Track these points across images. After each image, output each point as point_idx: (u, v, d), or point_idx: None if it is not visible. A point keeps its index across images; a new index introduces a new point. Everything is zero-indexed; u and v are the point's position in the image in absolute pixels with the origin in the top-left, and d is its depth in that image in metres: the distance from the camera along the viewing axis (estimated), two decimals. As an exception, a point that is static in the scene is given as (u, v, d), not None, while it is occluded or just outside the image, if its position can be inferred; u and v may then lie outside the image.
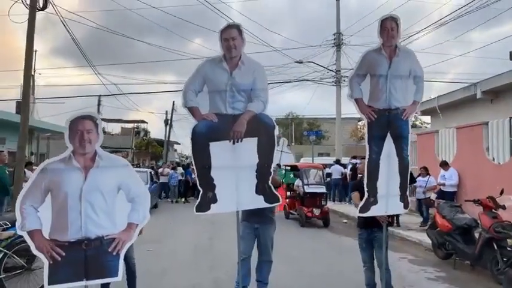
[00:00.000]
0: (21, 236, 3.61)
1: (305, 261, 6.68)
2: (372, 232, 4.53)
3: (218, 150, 4.17)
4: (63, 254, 3.38)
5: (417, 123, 31.91)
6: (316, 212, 10.03)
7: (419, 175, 10.17)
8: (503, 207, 5.69)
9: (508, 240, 4.96)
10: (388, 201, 4.36)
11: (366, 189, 4.33)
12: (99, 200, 3.48)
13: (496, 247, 5.22)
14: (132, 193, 3.62)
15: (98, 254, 3.48)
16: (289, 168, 12.47)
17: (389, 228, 9.25)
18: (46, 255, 3.36)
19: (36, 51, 20.87)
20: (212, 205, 4.18)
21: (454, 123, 12.10)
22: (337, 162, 16.00)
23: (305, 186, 10.28)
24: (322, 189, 10.51)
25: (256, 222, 4.62)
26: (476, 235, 5.82)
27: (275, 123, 4.33)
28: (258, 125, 4.21)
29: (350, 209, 12.70)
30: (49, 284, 3.37)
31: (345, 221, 11.35)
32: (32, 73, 20.73)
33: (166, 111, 35.17)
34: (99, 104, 27.69)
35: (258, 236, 4.70)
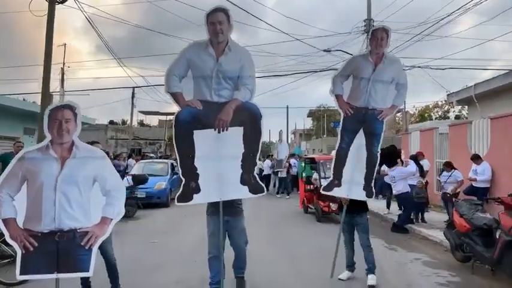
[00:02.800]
0: None
1: (311, 260, 6.26)
2: (353, 217, 5.04)
3: (202, 138, 4.07)
4: (36, 244, 3.35)
5: (449, 115, 30.04)
6: (334, 206, 9.51)
7: (443, 171, 9.47)
8: (530, 207, 5.03)
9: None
10: (351, 186, 4.89)
11: (332, 171, 5.03)
12: (74, 191, 3.44)
13: (517, 251, 4.61)
14: (108, 186, 3.56)
15: (70, 247, 3.42)
16: (308, 160, 12.04)
17: (412, 226, 8.72)
18: (19, 245, 3.35)
19: (65, 44, 21.83)
20: (195, 195, 4.10)
21: (492, 113, 11.10)
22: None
23: (322, 180, 9.81)
24: (340, 183, 9.99)
25: (226, 215, 4.29)
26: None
27: (261, 113, 4.21)
28: (245, 114, 4.12)
29: (374, 204, 12.08)
30: (21, 274, 3.38)
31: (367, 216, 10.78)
32: (62, 66, 21.68)
33: (199, 104, 35.29)
34: (133, 97, 28.27)
35: (229, 230, 4.43)
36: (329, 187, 5.04)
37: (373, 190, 5.01)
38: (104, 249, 4.09)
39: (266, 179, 17.86)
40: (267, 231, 8.67)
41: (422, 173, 9.87)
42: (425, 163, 10.73)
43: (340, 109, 4.89)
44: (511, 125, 8.95)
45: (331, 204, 9.55)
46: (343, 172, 4.94)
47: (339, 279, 5.05)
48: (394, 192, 9.02)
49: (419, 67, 17.75)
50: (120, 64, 22.25)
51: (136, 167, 13.72)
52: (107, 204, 3.54)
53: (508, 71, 11.68)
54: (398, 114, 36.32)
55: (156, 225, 9.12)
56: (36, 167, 3.41)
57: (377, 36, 4.74)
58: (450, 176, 8.98)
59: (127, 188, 10.17)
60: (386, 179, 10.71)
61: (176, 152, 4.14)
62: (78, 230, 3.43)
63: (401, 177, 8.67)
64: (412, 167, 9.03)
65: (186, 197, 4.08)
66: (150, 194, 11.72)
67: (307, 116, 46.48)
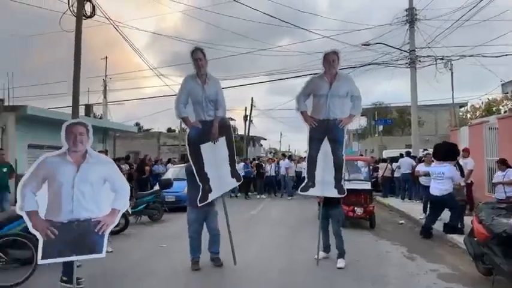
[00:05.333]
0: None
1: (304, 270, 5.77)
2: (328, 209, 5.91)
3: (206, 150, 5.35)
4: (56, 232, 3.97)
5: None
6: (359, 211, 8.88)
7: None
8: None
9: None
10: (323, 186, 5.67)
11: (306, 175, 5.89)
12: (88, 188, 4.15)
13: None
14: (116, 185, 4.37)
15: (86, 233, 4.11)
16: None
17: (439, 231, 7.76)
18: (41, 233, 3.94)
19: (106, 57, 23.08)
20: (209, 194, 5.39)
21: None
22: (408, 154, 14.15)
23: (345, 182, 9.18)
24: (366, 186, 9.28)
25: (206, 206, 5.51)
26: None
27: (229, 123, 6.13)
28: (224, 126, 5.61)
29: (409, 207, 11.14)
30: (42, 258, 3.94)
31: (401, 221, 9.92)
32: (104, 79, 22.89)
33: (246, 108, 35.61)
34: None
35: (207, 216, 5.68)
36: (305, 188, 5.81)
37: (344, 188, 5.78)
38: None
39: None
40: (281, 233, 8.31)
41: (462, 173, 8.82)
42: (469, 162, 9.61)
43: (305, 123, 5.67)
44: None
45: (356, 208, 8.89)
46: (316, 175, 5.69)
47: (315, 258, 5.80)
48: (438, 193, 7.78)
49: (471, 56, 16.15)
50: (156, 74, 23.01)
51: (171, 171, 14.00)
52: (116, 199, 4.32)
53: None
54: (461, 109, 33.07)
55: (176, 229, 9.14)
56: (56, 170, 4.09)
57: (329, 59, 5.49)
58: (505, 175, 7.79)
59: (152, 193, 10.42)
60: (422, 181, 9.76)
61: (192, 163, 5.34)
62: (92, 220, 4.14)
63: (449, 176, 7.72)
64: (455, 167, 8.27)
65: (204, 197, 5.36)
66: (179, 198, 11.86)
67: (361, 115, 44.60)
